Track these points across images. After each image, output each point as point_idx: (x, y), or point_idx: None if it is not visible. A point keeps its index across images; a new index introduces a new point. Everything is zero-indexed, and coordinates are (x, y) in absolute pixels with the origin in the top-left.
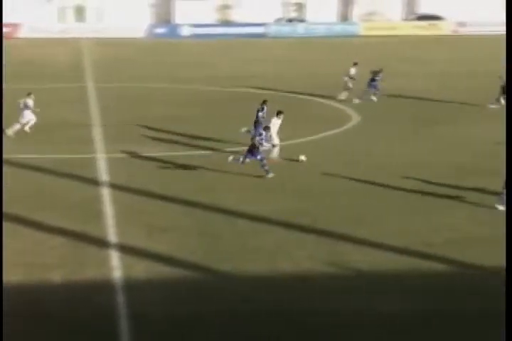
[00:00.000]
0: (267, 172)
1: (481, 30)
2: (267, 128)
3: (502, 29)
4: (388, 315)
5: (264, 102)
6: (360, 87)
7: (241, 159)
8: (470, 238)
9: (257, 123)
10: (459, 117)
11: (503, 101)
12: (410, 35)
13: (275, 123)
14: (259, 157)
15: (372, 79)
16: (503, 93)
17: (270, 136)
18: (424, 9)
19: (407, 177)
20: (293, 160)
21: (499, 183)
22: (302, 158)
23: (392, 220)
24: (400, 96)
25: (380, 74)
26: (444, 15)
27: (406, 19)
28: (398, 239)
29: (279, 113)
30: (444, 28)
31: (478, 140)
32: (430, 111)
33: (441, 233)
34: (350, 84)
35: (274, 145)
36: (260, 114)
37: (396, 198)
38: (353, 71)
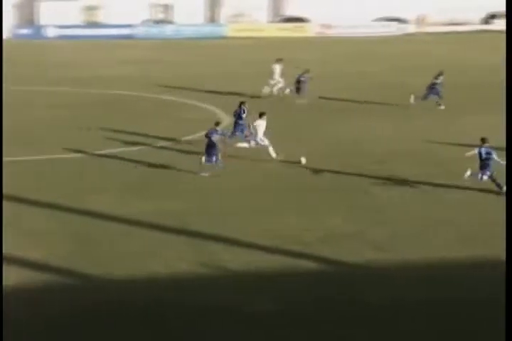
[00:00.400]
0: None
1: (346, 32)
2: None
3: (366, 31)
4: (258, 313)
5: (243, 103)
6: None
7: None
8: (341, 235)
9: (237, 124)
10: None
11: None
12: (276, 37)
13: (260, 124)
14: (214, 158)
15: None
16: (432, 93)
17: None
18: (290, 11)
19: (282, 178)
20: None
21: (365, 182)
22: (303, 160)
23: (265, 219)
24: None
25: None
26: (309, 18)
27: (272, 21)
28: (270, 238)
29: (261, 114)
30: (309, 30)
31: (342, 142)
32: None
33: (313, 232)
34: (274, 81)
35: (262, 145)
36: (243, 115)
37: (268, 198)
38: (277, 68)
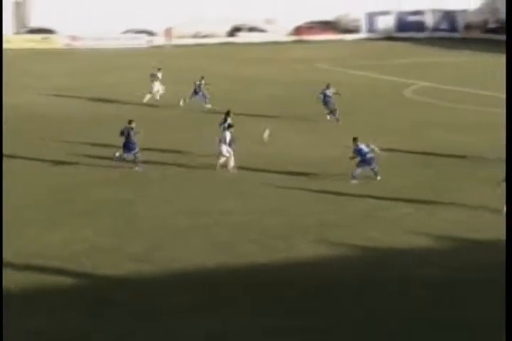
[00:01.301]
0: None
1: (94, 44)
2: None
3: (115, 43)
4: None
5: (228, 114)
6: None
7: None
8: (99, 248)
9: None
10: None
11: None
12: (24, 49)
13: (228, 135)
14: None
15: (199, 86)
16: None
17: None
18: (34, 23)
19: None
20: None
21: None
22: (265, 135)
23: (36, 234)
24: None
25: (203, 81)
26: (56, 29)
27: (18, 32)
28: (31, 255)
29: (229, 126)
30: (56, 42)
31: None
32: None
33: (69, 246)
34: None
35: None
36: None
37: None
38: (159, 75)
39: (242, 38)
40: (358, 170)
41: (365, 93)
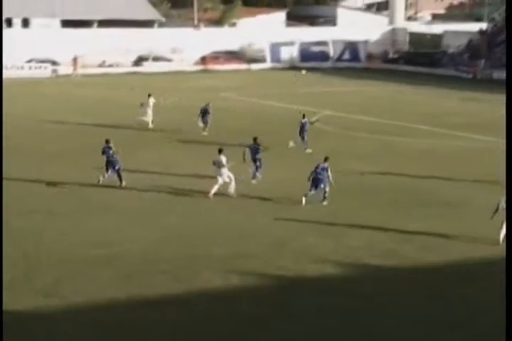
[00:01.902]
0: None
1: None
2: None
3: (19, 72)
4: None
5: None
6: None
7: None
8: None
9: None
10: None
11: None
12: None
13: (223, 159)
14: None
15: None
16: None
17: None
18: None
19: None
20: None
21: None
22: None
23: None
24: None
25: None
26: None
27: None
28: None
29: (220, 150)
30: None
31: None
32: None
33: None
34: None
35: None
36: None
37: None
38: (150, 102)
39: (148, 67)
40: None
41: (270, 121)
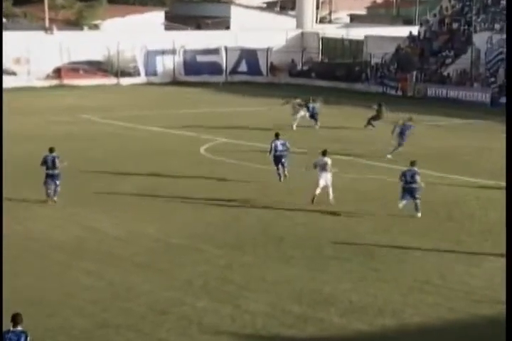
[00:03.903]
0: None
1: None
2: None
3: None
4: None
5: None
6: None
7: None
8: None
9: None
10: None
11: None
12: None
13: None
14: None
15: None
16: None
17: None
18: None
19: None
20: None
21: None
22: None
23: None
24: None
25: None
26: None
27: None
28: None
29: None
30: None
31: None
32: None
33: None
34: None
35: None
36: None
37: None
38: None
39: None
40: None
41: (147, 150)
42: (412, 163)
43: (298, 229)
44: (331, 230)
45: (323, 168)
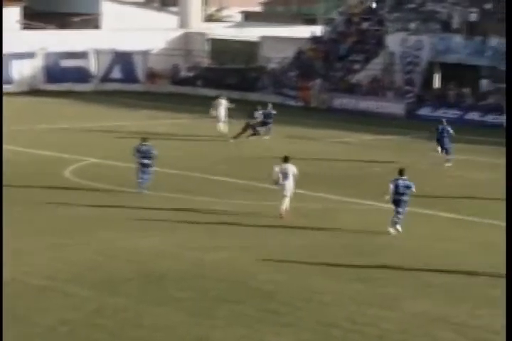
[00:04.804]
0: None
1: None
2: None
3: None
4: None
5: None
6: None
7: None
8: None
9: None
10: None
11: None
12: None
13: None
14: None
15: None
16: None
17: None
18: None
19: None
20: None
21: None
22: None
23: None
24: None
25: None
26: None
27: None
28: None
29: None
30: None
31: None
32: None
33: None
34: None
35: None
36: None
37: None
38: None
39: None
40: None
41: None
42: (401, 172)
43: (182, 266)
44: (220, 267)
45: (287, 176)
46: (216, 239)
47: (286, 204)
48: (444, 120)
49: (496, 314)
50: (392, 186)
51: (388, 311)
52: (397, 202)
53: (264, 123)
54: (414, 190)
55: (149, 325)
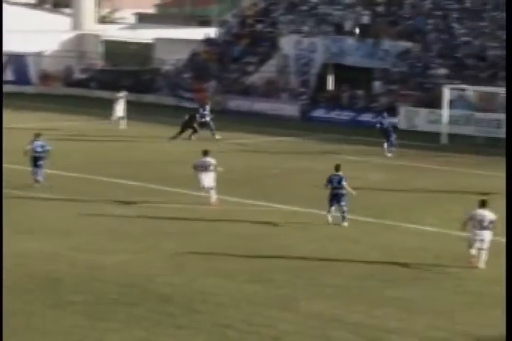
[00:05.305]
0: None
1: None
2: None
3: None
4: None
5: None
6: None
7: None
8: None
9: None
10: None
11: None
12: None
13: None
14: None
15: None
16: None
17: None
18: None
19: None
20: None
21: None
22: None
23: None
24: None
25: None
26: None
27: None
28: None
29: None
30: None
31: None
32: None
33: None
34: None
35: None
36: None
37: None
38: None
39: None
40: None
41: None
42: (337, 168)
43: (77, 269)
44: (118, 270)
45: (207, 168)
46: (113, 241)
47: (213, 194)
48: (384, 113)
49: (391, 314)
50: (326, 182)
51: (285, 312)
52: (336, 196)
53: (203, 124)
54: (344, 183)
55: (43, 330)
